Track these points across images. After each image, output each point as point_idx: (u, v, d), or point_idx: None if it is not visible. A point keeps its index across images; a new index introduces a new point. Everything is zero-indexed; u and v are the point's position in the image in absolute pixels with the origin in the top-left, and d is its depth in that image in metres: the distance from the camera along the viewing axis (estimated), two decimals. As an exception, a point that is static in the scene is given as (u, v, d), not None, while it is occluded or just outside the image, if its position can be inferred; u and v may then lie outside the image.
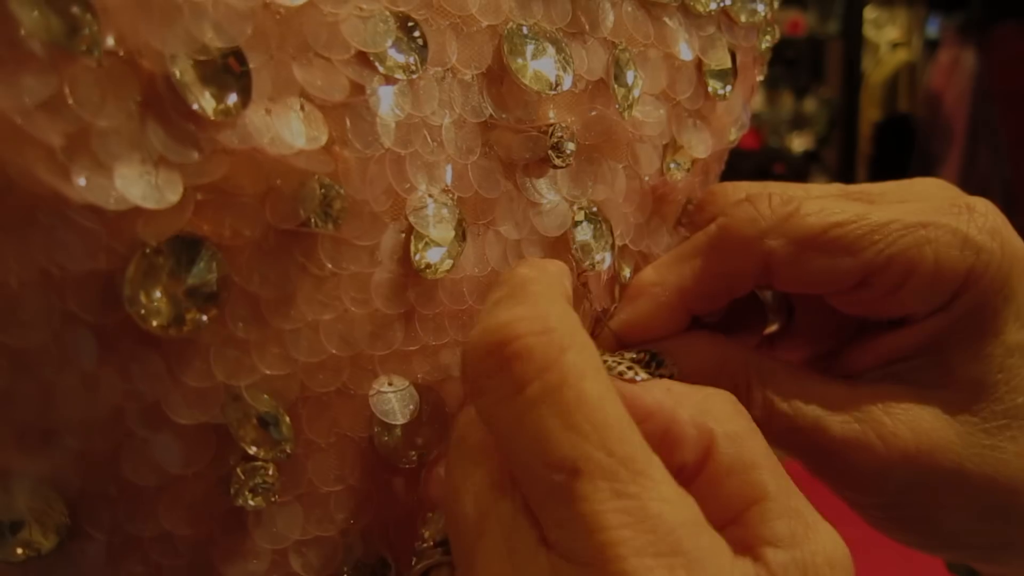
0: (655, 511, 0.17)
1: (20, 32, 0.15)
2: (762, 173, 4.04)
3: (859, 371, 0.26)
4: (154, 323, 0.18)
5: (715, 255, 0.25)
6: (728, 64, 0.28)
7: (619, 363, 0.23)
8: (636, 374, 0.23)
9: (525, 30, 0.22)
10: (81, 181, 0.16)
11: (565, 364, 0.17)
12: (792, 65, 3.93)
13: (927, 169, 4.60)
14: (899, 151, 4.98)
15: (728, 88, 0.28)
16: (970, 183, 3.90)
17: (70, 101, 0.16)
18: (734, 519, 0.19)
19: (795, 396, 0.25)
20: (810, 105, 3.84)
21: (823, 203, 0.24)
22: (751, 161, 4.02)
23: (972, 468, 0.24)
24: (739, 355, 0.25)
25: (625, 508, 0.17)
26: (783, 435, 0.24)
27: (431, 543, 0.22)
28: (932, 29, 4.46)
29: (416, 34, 0.20)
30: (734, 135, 0.30)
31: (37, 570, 0.19)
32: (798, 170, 4.07)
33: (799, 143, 3.82)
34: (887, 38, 4.80)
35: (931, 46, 4.60)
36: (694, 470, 0.19)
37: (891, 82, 4.74)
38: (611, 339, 0.26)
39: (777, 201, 0.24)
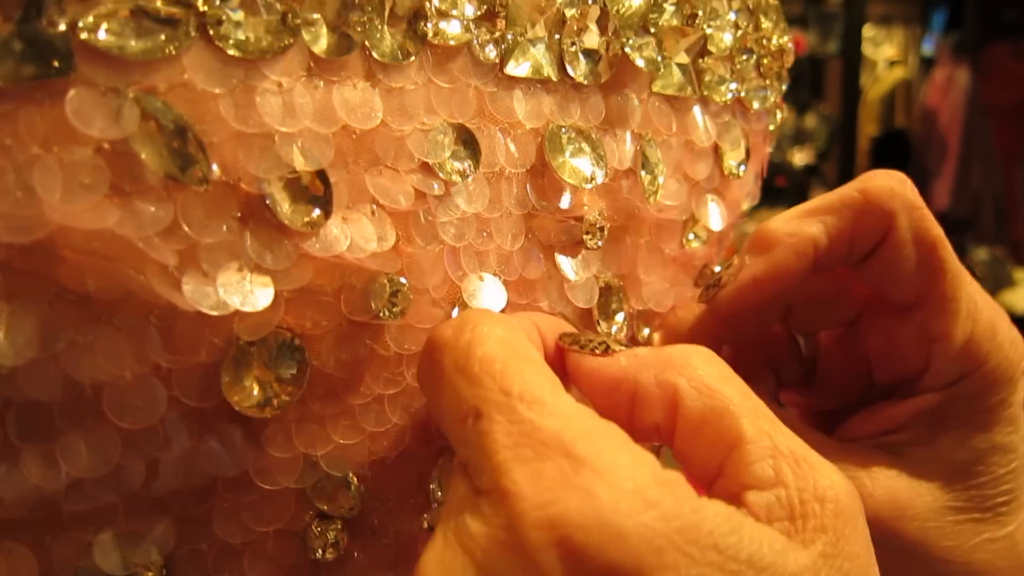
0: (544, 426, 0.17)
1: (143, 168, 0.17)
2: (765, 186, 4.05)
3: (856, 436, 0.27)
4: (246, 405, 0.20)
5: (850, 213, 0.26)
6: (742, 147, 0.29)
7: (591, 340, 0.22)
8: (614, 348, 0.22)
9: (564, 131, 0.24)
10: (189, 290, 0.18)
11: (471, 338, 0.19)
12: (793, 82, 3.94)
13: (922, 182, 4.58)
14: (896, 165, 4.94)
15: (742, 168, 0.29)
16: (963, 196, 3.89)
17: (182, 224, 0.18)
18: (718, 470, 0.19)
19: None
20: (811, 121, 3.84)
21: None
22: (754, 175, 4.03)
23: (934, 540, 0.25)
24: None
25: (517, 431, 0.17)
26: None
27: None
28: (928, 48, 4.44)
29: (470, 141, 0.22)
30: (746, 205, 0.32)
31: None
32: (799, 183, 4.07)
33: (800, 157, 3.82)
34: (884, 56, 4.79)
35: (927, 64, 4.58)
36: (668, 427, 0.20)
37: (888, 98, 4.73)
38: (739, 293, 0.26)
39: (912, 189, 0.26)
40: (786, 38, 0.31)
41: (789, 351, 0.30)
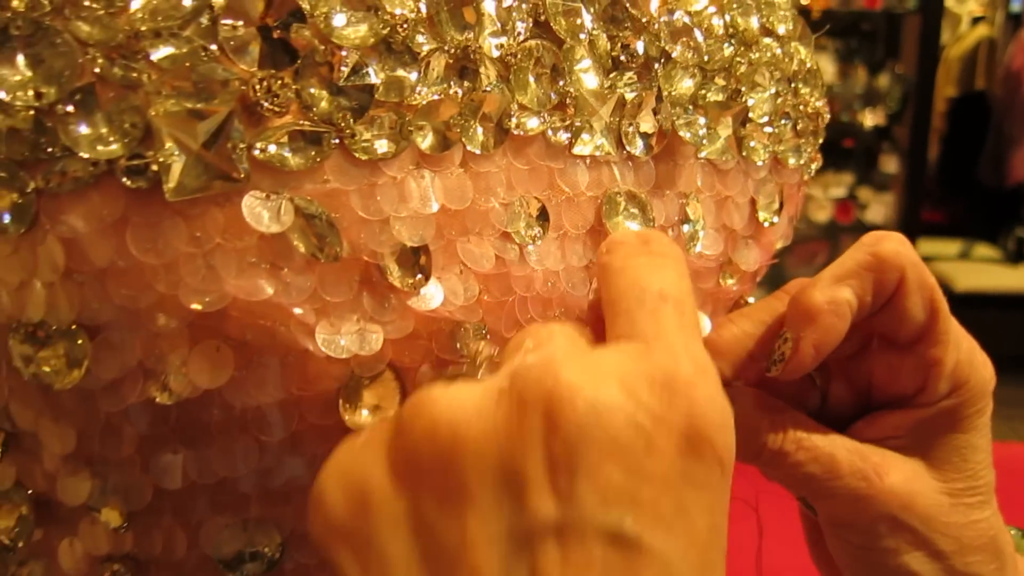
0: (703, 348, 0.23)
1: (293, 250, 0.23)
2: (831, 147, 4.00)
3: (862, 440, 0.33)
4: (359, 422, 0.26)
5: (870, 276, 0.30)
6: (777, 201, 0.34)
7: None
8: None
9: (619, 196, 0.29)
10: (321, 340, 0.24)
11: (673, 252, 0.26)
12: (867, 39, 3.86)
13: (1001, 149, 4.47)
14: (974, 130, 4.85)
15: (776, 218, 0.34)
16: (1043, 167, 3.80)
17: (319, 290, 0.23)
18: None
19: (818, 437, 0.32)
20: (884, 81, 3.77)
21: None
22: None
23: (935, 522, 0.31)
24: (778, 403, 0.32)
25: (686, 329, 0.23)
26: (805, 464, 0.31)
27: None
28: (1016, 4, 4.30)
29: (542, 211, 0.28)
30: (779, 245, 0.37)
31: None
32: (867, 146, 4.01)
33: (870, 119, 3.77)
34: (968, 11, 4.65)
35: (1014, 22, 4.44)
36: None
37: (970, 58, 4.60)
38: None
39: (910, 246, 0.31)
40: (822, 101, 0.36)
41: (809, 384, 0.35)
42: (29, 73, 0.20)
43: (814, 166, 0.37)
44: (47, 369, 0.22)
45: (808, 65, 0.36)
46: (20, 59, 0.20)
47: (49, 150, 0.20)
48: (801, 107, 0.34)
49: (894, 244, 0.31)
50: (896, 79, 3.78)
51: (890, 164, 3.88)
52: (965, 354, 0.32)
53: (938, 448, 0.32)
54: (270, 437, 0.25)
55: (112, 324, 0.22)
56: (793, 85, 0.34)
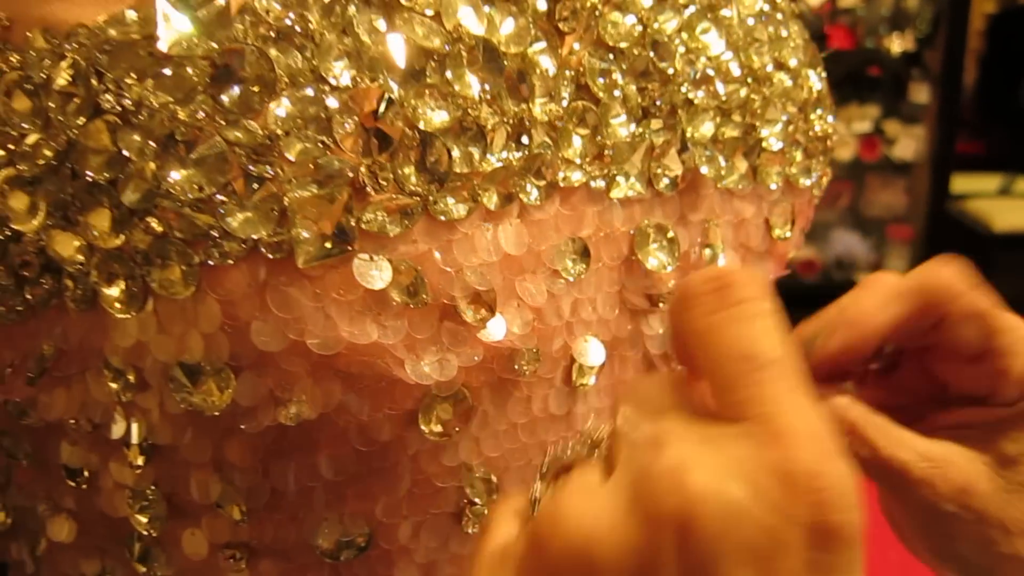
0: (815, 410, 0.25)
1: (390, 299, 0.31)
2: (855, 77, 4.06)
3: (935, 427, 0.41)
4: (435, 432, 0.35)
5: (926, 295, 0.38)
6: (790, 218, 0.43)
7: None
8: None
9: (649, 229, 0.38)
10: (409, 369, 0.33)
11: (769, 305, 0.27)
12: (897, -46, 3.88)
13: (1043, 74, 4.50)
14: (1016, 50, 4.89)
15: (788, 233, 0.43)
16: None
17: (409, 330, 0.32)
18: None
19: (894, 444, 0.38)
20: (912, 0, 3.81)
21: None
22: (844, 63, 4.03)
23: (992, 510, 0.39)
24: (858, 407, 0.39)
25: (797, 398, 0.25)
26: (879, 469, 0.38)
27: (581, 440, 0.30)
28: (1064, -90, 4.30)
29: (584, 249, 0.36)
30: (792, 255, 0.46)
31: (350, 570, 0.37)
32: (896, 74, 4.07)
33: (898, 44, 3.81)
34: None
35: (1061, -71, 4.43)
36: None
37: (1011, -30, 4.60)
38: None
39: (964, 275, 0.38)
40: (830, 121, 0.45)
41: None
42: (191, 171, 0.29)
43: (824, 181, 0.46)
44: (198, 399, 0.31)
45: (818, 89, 0.44)
46: (184, 160, 0.29)
47: (211, 231, 0.29)
48: (810, 132, 0.43)
49: (945, 277, 0.39)
50: (926, -2, 3.81)
51: (920, 93, 3.94)
52: None
53: (1007, 445, 0.39)
54: (365, 447, 0.34)
55: (252, 364, 0.31)
56: (803, 112, 0.43)
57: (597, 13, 0.36)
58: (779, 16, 0.43)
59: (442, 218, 0.32)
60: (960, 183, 4.41)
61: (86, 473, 0.37)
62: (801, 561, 0.24)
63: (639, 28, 0.37)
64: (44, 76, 0.29)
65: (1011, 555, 0.40)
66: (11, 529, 0.49)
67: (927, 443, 0.39)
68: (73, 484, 0.37)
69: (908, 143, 3.98)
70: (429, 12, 0.32)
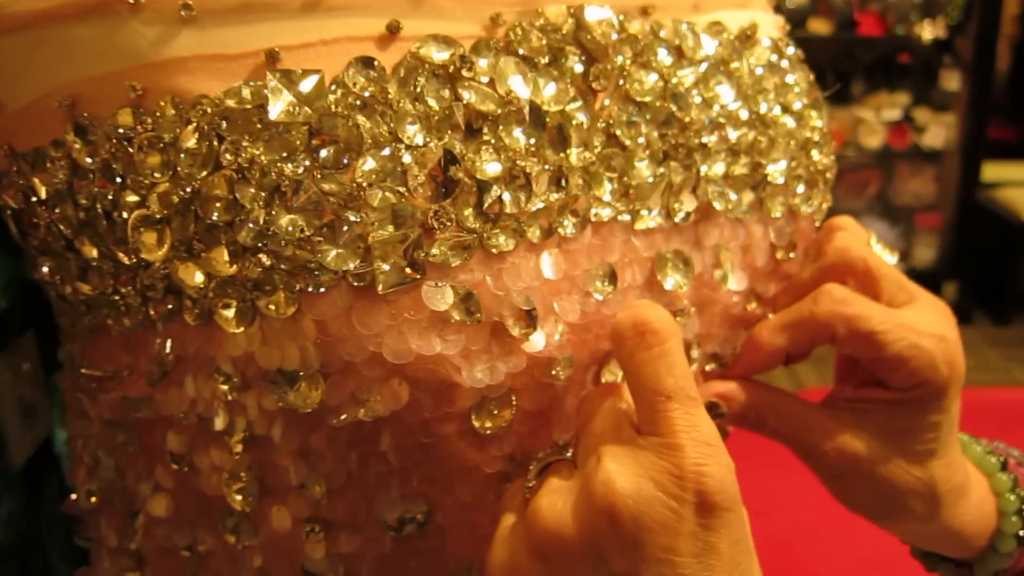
0: (701, 423, 0.37)
1: (451, 317, 0.39)
2: (886, 64, 4.09)
3: (838, 400, 0.50)
4: (486, 427, 0.42)
5: (808, 328, 0.48)
6: (794, 242, 0.50)
7: None
8: None
9: (668, 255, 0.45)
10: (465, 375, 0.40)
11: (672, 342, 0.38)
12: (929, -59, 3.90)
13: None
14: (1050, 36, 4.86)
15: (793, 255, 0.50)
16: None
17: (466, 343, 0.39)
18: None
19: (799, 425, 0.49)
20: (945, -13, 3.82)
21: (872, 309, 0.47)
22: (874, 51, 4.05)
23: (881, 471, 0.48)
24: (769, 394, 0.50)
25: (687, 419, 0.37)
26: (791, 443, 0.49)
27: (555, 446, 0.44)
28: None
29: (612, 273, 0.43)
30: (795, 271, 0.52)
31: (410, 542, 0.44)
32: (927, 61, 4.08)
33: (930, 31, 3.83)
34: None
35: (1098, -86, 4.41)
36: None
37: (1046, -44, 4.59)
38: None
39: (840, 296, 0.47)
40: (830, 159, 0.51)
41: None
42: (294, 217, 0.36)
43: (825, 207, 0.52)
44: (293, 399, 0.38)
45: (819, 127, 0.51)
46: (288, 207, 0.36)
47: (309, 264, 0.36)
48: (811, 166, 0.50)
49: (824, 313, 0.47)
50: (960, -16, 3.82)
51: (951, 81, 3.96)
52: (925, 361, 0.46)
53: (897, 421, 0.48)
54: (427, 439, 0.41)
55: (338, 370, 0.38)
56: (805, 149, 0.50)
57: (625, 73, 0.43)
58: (784, 64, 0.50)
59: (494, 251, 0.39)
60: (991, 171, 4.42)
61: (188, 458, 0.44)
62: (695, 525, 0.36)
63: (661, 84, 0.44)
64: (173, 136, 0.37)
65: (901, 506, 0.49)
66: (98, 508, 0.57)
67: (828, 414, 0.49)
68: (176, 467, 0.45)
69: (938, 131, 4.00)
70: (485, 79, 0.39)
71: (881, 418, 0.48)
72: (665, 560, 0.35)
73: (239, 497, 0.43)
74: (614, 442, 0.38)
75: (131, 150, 0.37)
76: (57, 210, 0.41)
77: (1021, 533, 0.50)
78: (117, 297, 0.41)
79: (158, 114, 0.37)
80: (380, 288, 0.37)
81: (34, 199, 0.42)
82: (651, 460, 0.37)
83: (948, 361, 0.47)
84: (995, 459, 0.52)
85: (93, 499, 0.57)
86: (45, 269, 0.45)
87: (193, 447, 0.44)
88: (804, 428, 0.49)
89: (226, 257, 0.37)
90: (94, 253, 0.41)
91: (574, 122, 0.41)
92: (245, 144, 0.36)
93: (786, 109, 0.49)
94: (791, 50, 0.52)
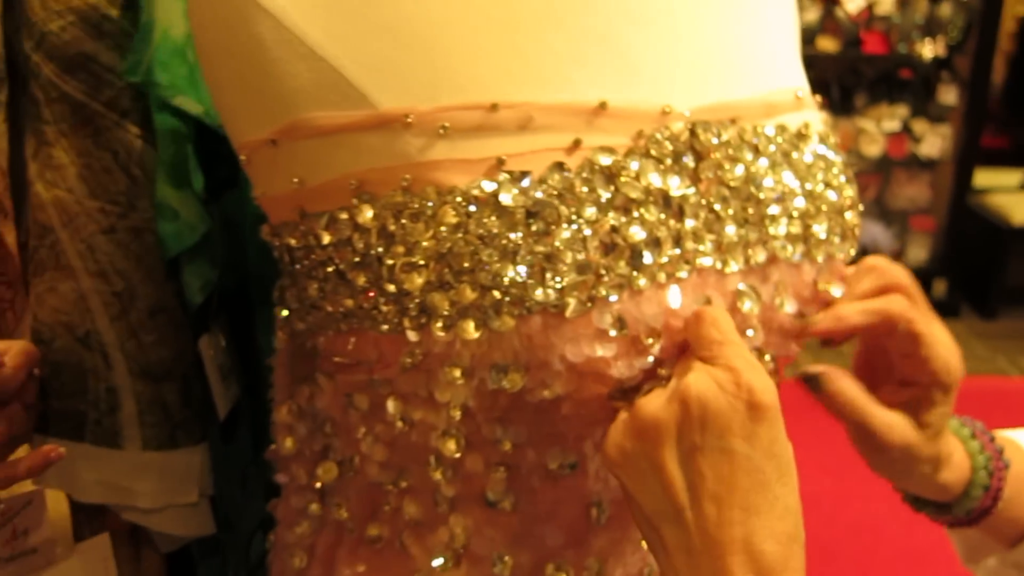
0: (747, 355, 0.52)
1: (608, 331, 0.56)
2: (887, 79, 4.23)
3: (891, 403, 0.66)
4: (618, 406, 0.59)
5: (883, 316, 0.65)
6: (830, 279, 0.66)
7: None
8: None
9: (745, 288, 0.62)
10: (614, 369, 0.57)
11: (718, 315, 0.59)
12: (931, -34, 4.02)
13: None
14: (1041, 53, 4.98)
15: (829, 287, 0.67)
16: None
17: (616, 348, 0.56)
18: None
19: (868, 411, 0.66)
20: (945, 9, 3.95)
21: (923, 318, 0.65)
22: (877, 67, 4.19)
23: (916, 453, 0.65)
24: (851, 383, 0.66)
25: (738, 352, 0.54)
26: (857, 424, 0.66)
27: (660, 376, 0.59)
28: (1093, -77, 4.38)
29: (707, 300, 0.60)
30: (830, 299, 0.69)
31: (561, 480, 0.61)
32: (926, 76, 4.21)
33: (930, 49, 3.97)
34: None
35: (1089, -58, 4.51)
36: None
37: (1040, -21, 4.68)
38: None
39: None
40: (857, 219, 0.68)
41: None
42: (517, 267, 0.53)
43: (852, 252, 0.69)
44: (505, 383, 0.55)
45: (851, 195, 0.67)
46: (515, 260, 0.53)
47: (523, 297, 0.53)
48: (844, 225, 0.66)
49: (898, 308, 0.64)
50: (959, 7, 3.95)
51: (948, 95, 4.10)
52: (941, 365, 0.64)
53: (924, 416, 0.65)
54: (583, 410, 0.58)
55: (535, 365, 0.55)
56: (840, 214, 0.66)
57: (721, 167, 0.60)
58: (828, 152, 0.66)
59: (635, 289, 0.56)
60: (982, 177, 4.55)
61: (409, 419, 0.61)
62: (745, 417, 0.50)
63: (744, 173, 0.61)
64: (433, 211, 0.54)
65: (916, 471, 0.67)
66: (294, 455, 0.75)
67: (884, 412, 0.65)
68: (401, 425, 0.62)
69: (934, 141, 4.14)
70: (633, 179, 0.56)
71: (913, 410, 0.66)
72: (722, 438, 0.50)
73: (452, 446, 0.60)
74: (694, 367, 0.54)
75: (403, 220, 0.54)
76: (336, 252, 0.58)
77: (986, 484, 0.67)
78: (376, 312, 0.58)
79: (423, 197, 0.54)
80: (567, 314, 0.54)
81: (315, 243, 0.59)
82: (717, 373, 0.52)
83: (957, 367, 0.65)
84: (967, 430, 0.69)
85: (290, 447, 0.74)
86: (313, 289, 0.62)
87: (414, 412, 0.61)
88: (868, 414, 0.66)
89: (468, 291, 0.54)
90: (362, 282, 0.58)
91: (688, 202, 0.58)
92: (484, 219, 0.53)
93: (828, 185, 0.66)
94: (832, 140, 0.68)
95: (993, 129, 6.02)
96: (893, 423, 0.65)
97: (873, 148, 4.13)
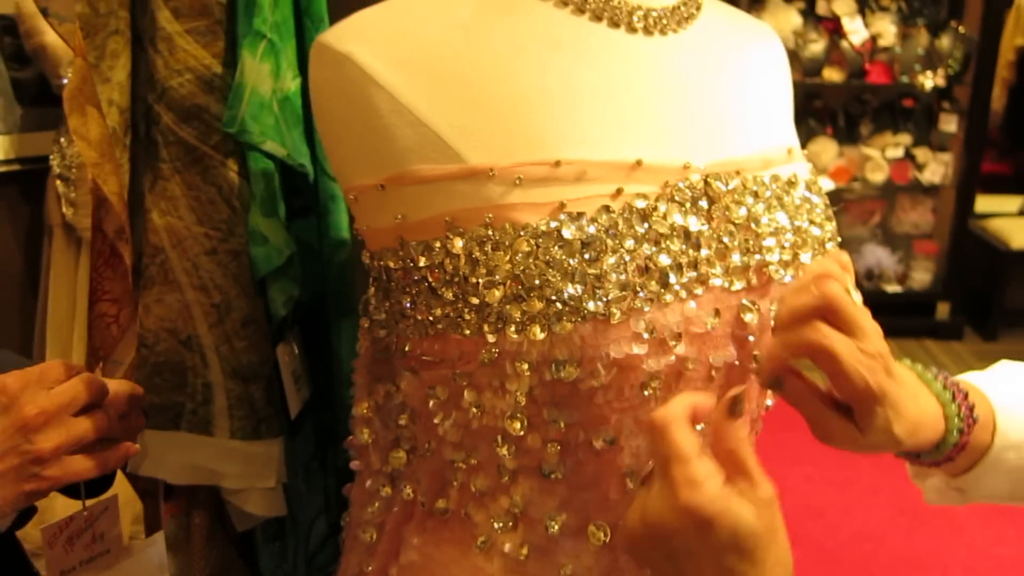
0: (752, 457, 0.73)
1: (642, 334, 0.73)
2: (891, 108, 4.42)
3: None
4: (652, 390, 0.76)
5: (802, 347, 0.81)
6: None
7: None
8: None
9: (746, 303, 0.79)
10: (645, 364, 0.74)
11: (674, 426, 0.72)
12: (930, 2, 4.21)
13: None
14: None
15: (812, 303, 0.84)
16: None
17: (648, 347, 0.74)
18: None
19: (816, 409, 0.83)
20: (945, 42, 4.14)
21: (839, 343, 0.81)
22: (881, 96, 4.38)
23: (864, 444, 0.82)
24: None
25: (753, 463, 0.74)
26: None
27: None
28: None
29: (717, 312, 0.78)
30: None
31: (602, 454, 0.79)
32: (928, 106, 4.40)
33: (931, 80, 4.16)
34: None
35: (1085, -24, 4.67)
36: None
37: (1039, 11, 4.85)
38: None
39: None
40: (837, 246, 0.86)
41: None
42: (575, 285, 0.71)
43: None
44: (562, 374, 0.73)
45: (830, 229, 0.85)
46: (572, 280, 0.71)
47: (579, 308, 0.71)
48: (824, 253, 0.84)
49: (815, 334, 0.80)
50: (958, 39, 4.13)
51: (949, 123, 4.28)
52: (861, 383, 0.76)
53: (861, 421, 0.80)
54: (622, 395, 0.76)
55: (586, 360, 0.73)
56: (822, 244, 0.84)
57: (727, 208, 0.78)
58: (813, 196, 0.84)
59: (662, 302, 0.74)
60: (983, 203, 4.73)
61: (481, 405, 0.79)
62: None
63: (746, 213, 0.78)
64: (511, 242, 0.71)
65: (879, 450, 0.75)
66: (370, 444, 0.93)
67: (829, 417, 0.72)
68: (475, 411, 0.79)
69: (936, 168, 4.32)
70: (662, 218, 0.74)
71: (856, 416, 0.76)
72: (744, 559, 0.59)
73: (517, 426, 0.78)
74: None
75: (486, 248, 0.72)
76: (429, 272, 0.76)
77: (956, 441, 0.78)
78: (460, 319, 0.76)
79: (502, 231, 0.72)
80: (612, 321, 0.72)
81: (411, 265, 0.77)
82: (745, 495, 0.59)
83: (877, 382, 0.70)
84: (948, 392, 0.74)
85: (367, 438, 0.92)
86: (406, 301, 0.80)
87: (487, 399, 0.78)
88: (814, 416, 0.75)
89: (536, 303, 0.71)
90: (450, 296, 0.75)
91: (703, 236, 0.76)
92: (549, 249, 0.71)
93: (812, 222, 0.83)
94: (816, 186, 0.86)
95: (995, 156, 6.21)
96: (832, 429, 0.71)
97: (878, 175, 4.31)
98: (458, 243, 0.74)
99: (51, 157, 2.93)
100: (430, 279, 0.76)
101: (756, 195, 0.80)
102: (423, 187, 0.75)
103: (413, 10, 0.79)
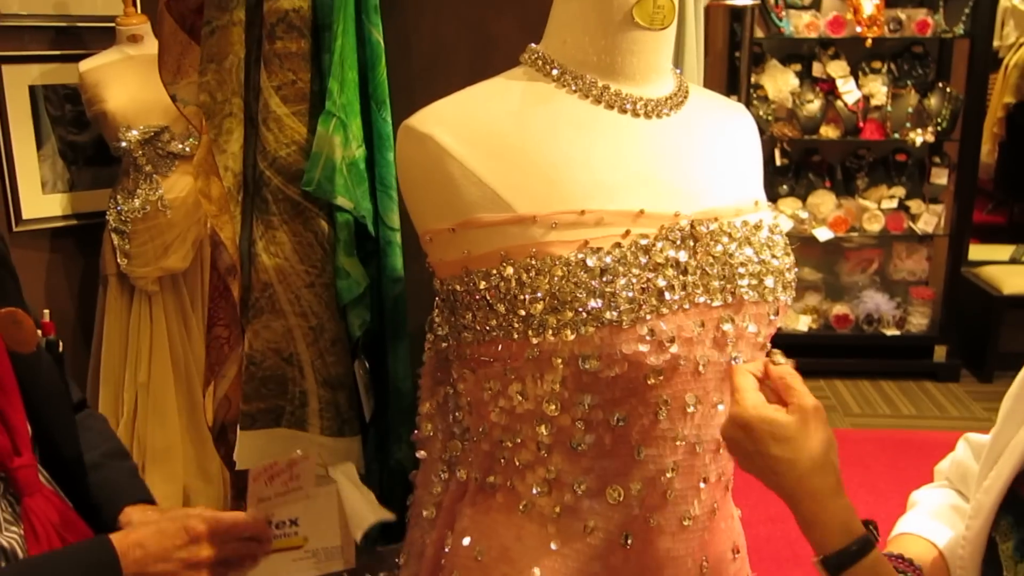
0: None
1: (647, 337, 1.00)
2: (885, 162, 4.70)
3: None
4: (656, 379, 1.03)
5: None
6: (776, 311, 1.11)
7: None
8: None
9: (726, 317, 1.06)
10: (650, 359, 1.01)
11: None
12: (918, 60, 4.51)
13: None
14: (1031, 134, 5.44)
15: (774, 317, 1.11)
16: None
17: (651, 346, 1.01)
18: None
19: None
20: (934, 100, 4.43)
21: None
22: (875, 152, 4.68)
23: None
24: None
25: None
26: None
27: None
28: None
29: (703, 323, 1.05)
30: (776, 325, 1.13)
31: (615, 431, 1.05)
32: (920, 160, 4.68)
33: (921, 136, 4.43)
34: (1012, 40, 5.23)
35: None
36: None
37: (1026, 67, 5.13)
38: None
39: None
40: (793, 276, 1.13)
41: None
42: (597, 300, 0.98)
43: (790, 299, 1.13)
44: (591, 367, 1.00)
45: (789, 262, 1.12)
46: (595, 295, 0.98)
47: (599, 316, 0.98)
48: (784, 281, 1.11)
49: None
50: (946, 98, 4.42)
51: (941, 177, 4.56)
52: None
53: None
54: (632, 383, 1.02)
55: (605, 355, 0.99)
56: (782, 273, 1.11)
57: (708, 245, 1.05)
58: (775, 236, 1.11)
59: (660, 313, 1.01)
60: (977, 251, 4.98)
61: (524, 393, 1.05)
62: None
63: (722, 248, 1.06)
64: (549, 268, 0.99)
65: None
66: (432, 436, 1.20)
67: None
68: (520, 399, 1.06)
69: (930, 218, 4.58)
70: (659, 252, 1.01)
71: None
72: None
73: (552, 407, 1.04)
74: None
75: (531, 273, 0.99)
76: (488, 293, 1.03)
77: None
78: (510, 327, 1.03)
79: (543, 261, 0.99)
80: (623, 327, 0.98)
81: (473, 288, 1.04)
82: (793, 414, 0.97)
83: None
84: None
85: (430, 431, 1.19)
86: (468, 316, 1.07)
87: (530, 388, 1.05)
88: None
89: (568, 313, 0.98)
90: (503, 309, 1.02)
91: (690, 265, 1.03)
92: (578, 274, 0.98)
93: (774, 256, 1.10)
94: (778, 228, 1.14)
95: (990, 207, 6.47)
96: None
97: (874, 224, 4.57)
98: (509, 270, 1.01)
99: (107, 212, 3.20)
100: (488, 297, 1.03)
101: (730, 235, 1.07)
102: (484, 230, 1.02)
103: (474, 101, 1.08)
